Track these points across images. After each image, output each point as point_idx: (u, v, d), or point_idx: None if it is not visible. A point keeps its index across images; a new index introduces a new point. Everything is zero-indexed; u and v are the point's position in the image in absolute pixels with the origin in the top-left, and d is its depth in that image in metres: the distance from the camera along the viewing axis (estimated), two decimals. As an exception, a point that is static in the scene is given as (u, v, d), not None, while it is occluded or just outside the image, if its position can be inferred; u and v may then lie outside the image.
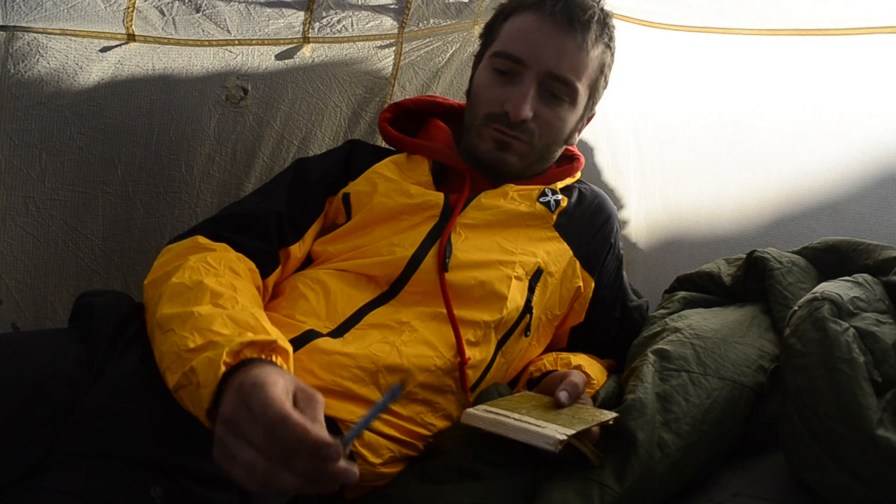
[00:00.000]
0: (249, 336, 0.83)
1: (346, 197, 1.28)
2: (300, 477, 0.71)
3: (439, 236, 1.20)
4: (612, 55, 1.34)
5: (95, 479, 0.82)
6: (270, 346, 0.85)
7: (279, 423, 0.70)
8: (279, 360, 0.85)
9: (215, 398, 0.79)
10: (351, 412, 1.01)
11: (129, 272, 1.48)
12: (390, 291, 1.17)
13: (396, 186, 1.26)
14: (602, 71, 1.33)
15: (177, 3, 1.33)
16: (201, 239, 1.13)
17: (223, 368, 0.79)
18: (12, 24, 1.20)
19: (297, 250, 1.24)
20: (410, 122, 1.44)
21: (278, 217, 1.22)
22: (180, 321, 0.89)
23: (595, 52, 1.28)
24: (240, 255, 1.13)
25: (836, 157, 1.57)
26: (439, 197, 1.25)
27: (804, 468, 0.90)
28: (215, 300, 0.93)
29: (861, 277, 1.08)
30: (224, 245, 1.14)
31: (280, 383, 0.74)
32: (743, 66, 1.68)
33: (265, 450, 0.71)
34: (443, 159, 1.32)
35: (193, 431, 0.86)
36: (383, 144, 1.45)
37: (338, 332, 1.09)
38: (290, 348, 0.89)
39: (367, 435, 1.02)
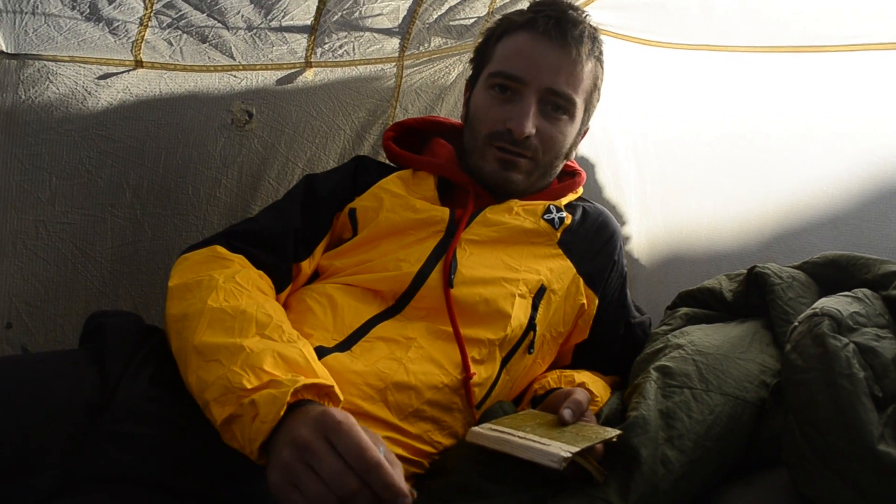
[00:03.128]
0: (307, 380, 0.85)
1: (353, 212, 1.30)
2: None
3: (445, 252, 1.21)
4: (603, 69, 1.37)
5: (111, 502, 0.83)
6: (326, 391, 0.88)
7: (374, 467, 0.73)
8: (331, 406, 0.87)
9: (272, 433, 0.80)
10: None
11: (138, 294, 1.50)
12: (396, 306, 1.18)
13: (402, 202, 1.28)
14: (595, 84, 1.36)
15: (184, 35, 1.36)
16: (219, 249, 1.15)
17: (285, 408, 0.81)
18: (23, 52, 1.23)
19: (308, 266, 1.26)
20: (413, 141, 1.45)
21: (293, 234, 1.24)
22: (228, 354, 0.90)
23: (588, 66, 1.31)
24: (259, 272, 1.15)
25: (836, 171, 1.57)
26: (444, 212, 1.26)
27: (807, 483, 0.91)
28: (261, 331, 0.95)
29: (861, 292, 1.09)
30: (241, 257, 1.16)
31: (358, 427, 0.78)
32: (742, 82, 1.69)
33: (336, 486, 0.73)
34: (447, 175, 1.33)
35: (206, 455, 0.88)
36: (389, 163, 1.47)
37: (346, 345, 1.10)
38: (342, 396, 0.91)
39: None
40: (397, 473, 0.75)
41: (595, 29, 1.34)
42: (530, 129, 1.26)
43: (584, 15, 1.33)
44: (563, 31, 1.27)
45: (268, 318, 0.97)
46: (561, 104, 1.29)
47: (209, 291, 1.01)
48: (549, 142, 1.30)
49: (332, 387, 0.88)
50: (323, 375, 0.90)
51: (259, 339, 0.94)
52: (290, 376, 0.86)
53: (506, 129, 1.27)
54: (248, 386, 0.85)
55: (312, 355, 0.94)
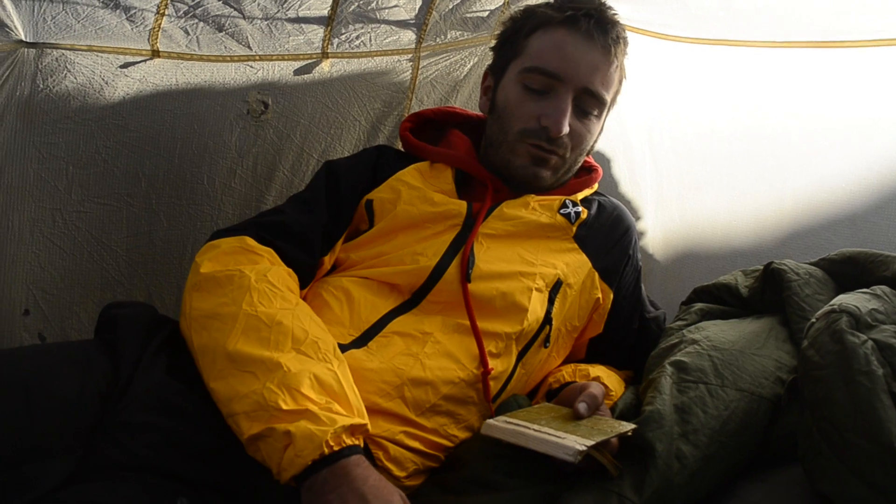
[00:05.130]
0: (344, 419, 0.88)
1: (370, 204, 1.29)
2: None
3: (462, 245, 1.21)
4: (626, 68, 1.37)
5: (124, 490, 0.84)
6: (361, 430, 0.91)
7: None
8: (361, 442, 0.91)
9: (307, 468, 0.85)
10: (378, 426, 1.02)
11: (153, 283, 1.51)
12: (413, 300, 1.18)
13: (420, 194, 1.27)
14: (620, 84, 1.36)
15: (201, 24, 1.36)
16: (249, 241, 1.14)
17: (325, 450, 0.84)
18: (42, 41, 1.24)
19: (329, 260, 1.26)
20: (430, 132, 1.45)
21: (320, 229, 1.24)
22: (265, 369, 0.91)
23: (618, 67, 1.32)
24: (288, 269, 1.15)
25: (854, 168, 1.56)
26: (462, 206, 1.26)
27: (823, 480, 0.90)
28: (297, 346, 0.96)
29: (879, 289, 1.08)
30: (270, 251, 1.15)
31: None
32: (759, 78, 1.68)
33: None
34: (466, 167, 1.33)
35: (220, 446, 0.88)
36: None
37: (362, 341, 1.11)
38: (370, 427, 0.94)
39: (393, 449, 1.03)
40: None
41: (624, 29, 1.34)
42: (567, 128, 1.25)
43: (616, 14, 1.33)
44: (604, 31, 1.27)
45: (304, 334, 0.98)
46: (594, 104, 1.29)
47: (242, 293, 1.01)
48: (579, 140, 1.30)
49: (365, 425, 0.91)
50: (354, 402, 0.93)
51: (295, 355, 0.94)
52: (324, 403, 0.89)
53: (540, 126, 1.26)
54: (284, 407, 0.87)
55: (346, 377, 0.96)
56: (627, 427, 0.99)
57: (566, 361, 1.35)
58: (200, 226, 1.54)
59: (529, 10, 1.34)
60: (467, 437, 1.12)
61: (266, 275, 1.06)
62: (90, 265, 1.42)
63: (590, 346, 1.37)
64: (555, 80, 1.26)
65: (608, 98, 1.31)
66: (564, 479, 0.99)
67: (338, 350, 1.01)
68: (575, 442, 0.92)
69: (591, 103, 1.28)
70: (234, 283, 1.03)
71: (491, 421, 1.02)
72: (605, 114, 1.34)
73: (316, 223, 1.23)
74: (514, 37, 1.34)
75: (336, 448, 0.85)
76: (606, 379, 1.22)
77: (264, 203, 1.61)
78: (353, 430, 0.88)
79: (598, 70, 1.27)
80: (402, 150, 1.44)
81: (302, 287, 1.18)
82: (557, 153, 1.28)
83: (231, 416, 0.90)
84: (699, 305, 1.36)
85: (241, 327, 0.97)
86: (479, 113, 1.46)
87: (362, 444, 0.90)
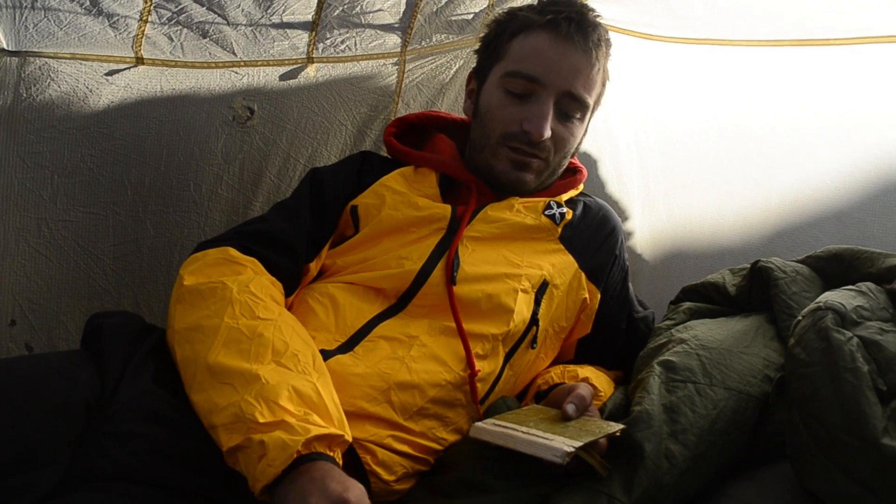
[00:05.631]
0: (319, 429, 0.86)
1: (354, 209, 1.30)
2: None
3: (447, 249, 1.21)
4: (608, 70, 1.37)
5: (110, 500, 0.83)
6: (338, 441, 0.89)
7: None
8: (339, 455, 0.89)
9: (278, 476, 0.83)
10: (365, 431, 1.02)
11: (140, 291, 1.50)
12: (398, 304, 1.18)
13: (404, 199, 1.27)
14: (603, 85, 1.36)
15: (185, 30, 1.35)
16: (232, 251, 1.14)
17: (295, 456, 0.83)
18: (24, 49, 1.23)
19: (315, 266, 1.26)
20: (415, 137, 1.45)
21: (305, 236, 1.24)
22: (243, 381, 0.91)
23: (601, 70, 1.32)
24: (272, 278, 1.14)
25: (839, 165, 1.57)
26: (446, 209, 1.26)
27: (811, 477, 0.91)
28: (277, 358, 0.95)
29: (865, 286, 1.08)
30: (253, 260, 1.15)
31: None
32: (744, 77, 1.69)
33: None
34: (450, 171, 1.33)
35: (207, 454, 0.88)
36: (393, 158, 1.46)
37: (348, 346, 1.10)
38: (350, 439, 0.92)
39: (381, 453, 1.02)
40: None
41: (606, 31, 1.34)
42: (549, 132, 1.26)
43: (597, 17, 1.33)
44: (586, 34, 1.27)
45: (284, 346, 0.97)
46: (576, 107, 1.29)
47: (224, 305, 1.01)
48: (562, 143, 1.30)
49: (342, 436, 0.89)
50: (334, 414, 0.92)
51: (275, 367, 0.94)
52: (302, 414, 0.88)
53: (522, 130, 1.26)
54: (261, 420, 0.86)
55: (327, 388, 0.95)
56: (616, 427, 0.99)
57: (555, 363, 1.35)
58: (188, 233, 1.54)
59: (511, 14, 1.34)
60: (456, 439, 1.12)
61: (248, 286, 1.06)
62: (77, 274, 1.41)
63: (579, 346, 1.37)
64: (536, 85, 1.26)
65: (590, 101, 1.31)
66: (554, 481, 0.99)
67: (319, 362, 1.00)
68: (563, 443, 0.92)
69: (573, 106, 1.29)
70: (217, 296, 1.03)
71: (479, 424, 1.02)
72: (588, 116, 1.34)
73: (300, 230, 1.23)
74: (496, 40, 1.35)
75: (304, 453, 0.84)
76: (595, 380, 1.22)
77: (251, 209, 1.60)
78: (329, 440, 0.87)
79: (580, 73, 1.27)
80: (387, 155, 1.44)
81: (287, 294, 1.18)
82: (539, 157, 1.29)
83: (212, 429, 0.90)
84: (687, 305, 1.36)
85: (221, 339, 0.96)
86: (465, 116, 1.46)
87: (339, 458, 0.89)
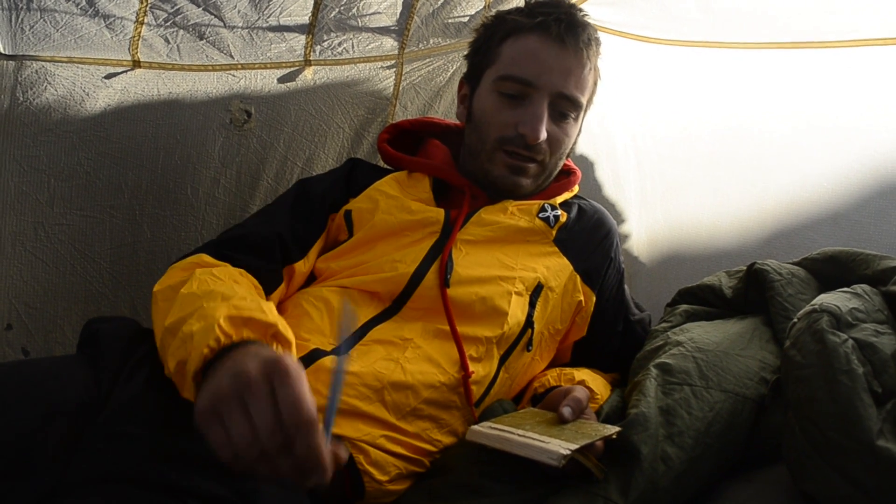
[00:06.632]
0: (250, 314, 0.85)
1: (348, 214, 1.30)
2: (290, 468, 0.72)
3: (440, 252, 1.21)
4: (599, 69, 1.38)
5: (107, 502, 0.83)
6: (272, 331, 0.87)
7: (305, 424, 0.70)
8: (279, 349, 0.86)
9: (208, 361, 0.81)
10: (358, 430, 1.02)
11: (137, 295, 1.50)
12: (393, 307, 1.18)
13: (398, 203, 1.28)
14: (595, 85, 1.37)
15: (181, 32, 1.36)
16: (205, 257, 1.16)
17: (218, 332, 0.82)
18: (21, 52, 1.23)
19: (302, 266, 1.26)
20: (409, 143, 1.45)
21: (280, 237, 1.24)
22: (189, 317, 0.90)
23: (592, 69, 1.32)
24: (240, 269, 1.15)
25: (835, 167, 1.57)
26: (440, 213, 1.26)
27: (807, 479, 0.91)
28: (227, 300, 0.94)
29: (860, 288, 1.09)
30: (225, 264, 1.16)
31: (306, 382, 0.74)
32: (741, 79, 1.69)
33: (264, 435, 0.71)
34: (443, 176, 1.34)
35: (202, 455, 0.88)
36: (384, 166, 1.47)
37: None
38: (293, 340, 0.90)
39: (374, 453, 1.03)
40: (328, 449, 0.72)
41: (596, 30, 1.35)
42: (544, 134, 1.26)
43: (586, 16, 1.34)
44: (575, 35, 1.27)
45: (232, 292, 0.97)
46: (570, 108, 1.30)
47: (184, 284, 1.02)
48: (557, 145, 1.31)
49: (275, 325, 0.88)
50: (269, 311, 0.90)
51: (221, 301, 0.93)
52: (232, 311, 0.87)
53: (517, 133, 1.27)
54: (195, 328, 0.86)
55: (272, 309, 0.94)
56: (612, 430, 0.99)
57: (552, 365, 1.35)
58: (185, 236, 1.54)
59: (500, 17, 1.35)
60: (452, 442, 1.12)
61: (212, 271, 1.07)
62: (73, 278, 1.41)
63: (575, 349, 1.37)
64: (529, 87, 1.26)
65: (583, 101, 1.31)
66: (550, 484, 0.99)
67: (270, 306, 0.98)
68: (559, 446, 0.92)
69: (566, 107, 1.29)
70: (183, 283, 1.04)
71: (475, 427, 1.02)
72: (581, 116, 1.35)
73: (274, 231, 1.24)
74: (486, 45, 1.35)
75: (225, 342, 0.82)
76: (591, 382, 1.22)
77: (249, 212, 1.60)
78: (260, 326, 0.86)
79: (572, 74, 1.27)
80: (382, 161, 1.44)
81: (268, 293, 1.19)
82: (536, 159, 1.29)
83: (170, 375, 0.90)
84: (684, 307, 1.37)
85: (177, 306, 0.96)
86: (458, 122, 1.46)
87: (274, 345, 0.87)
